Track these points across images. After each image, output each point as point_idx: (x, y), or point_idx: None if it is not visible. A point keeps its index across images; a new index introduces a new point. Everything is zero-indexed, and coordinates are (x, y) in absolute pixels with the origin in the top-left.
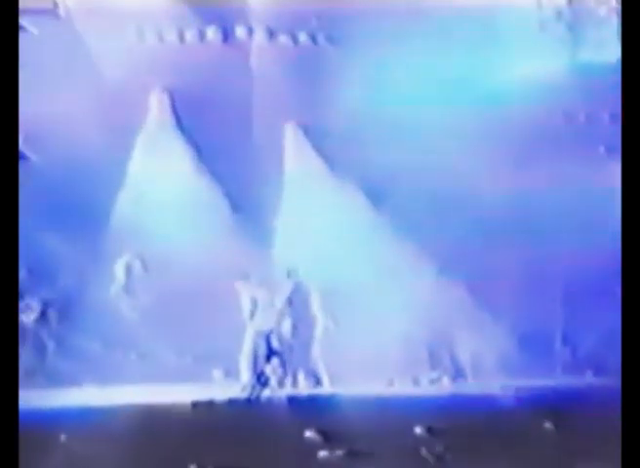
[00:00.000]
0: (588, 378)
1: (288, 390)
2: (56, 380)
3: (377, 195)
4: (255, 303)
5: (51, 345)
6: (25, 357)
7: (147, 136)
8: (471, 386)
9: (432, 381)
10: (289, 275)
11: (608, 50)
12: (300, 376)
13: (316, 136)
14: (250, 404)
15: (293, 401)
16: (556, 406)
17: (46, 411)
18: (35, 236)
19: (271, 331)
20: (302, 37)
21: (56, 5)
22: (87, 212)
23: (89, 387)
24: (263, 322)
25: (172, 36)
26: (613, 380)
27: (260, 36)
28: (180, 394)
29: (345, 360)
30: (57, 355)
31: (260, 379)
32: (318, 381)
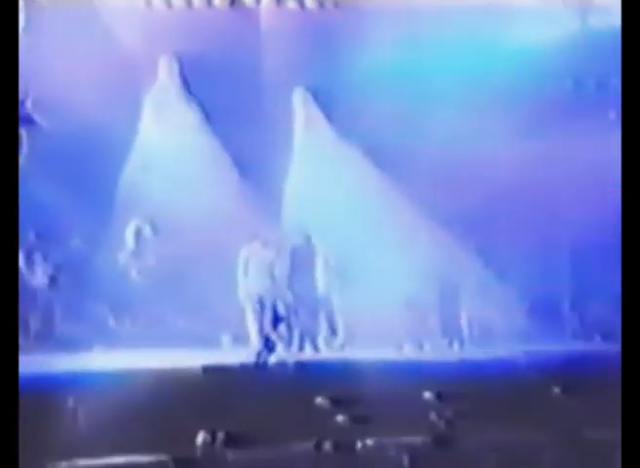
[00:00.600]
0: (596, 343)
1: (295, 356)
2: (65, 345)
3: (386, 160)
4: (262, 268)
5: (60, 309)
6: (35, 321)
7: (156, 101)
8: (480, 352)
9: (441, 347)
10: (298, 239)
11: (615, 15)
12: (308, 342)
13: (325, 101)
14: (258, 369)
15: (301, 366)
16: (564, 371)
17: (55, 375)
18: (44, 200)
19: (278, 297)
20: (310, 1)
21: None
22: (96, 176)
23: (98, 351)
24: (270, 287)
25: (180, 1)
26: (620, 345)
27: (267, 1)
28: (189, 359)
29: (354, 325)
30: (66, 319)
31: (268, 344)
32: (327, 346)
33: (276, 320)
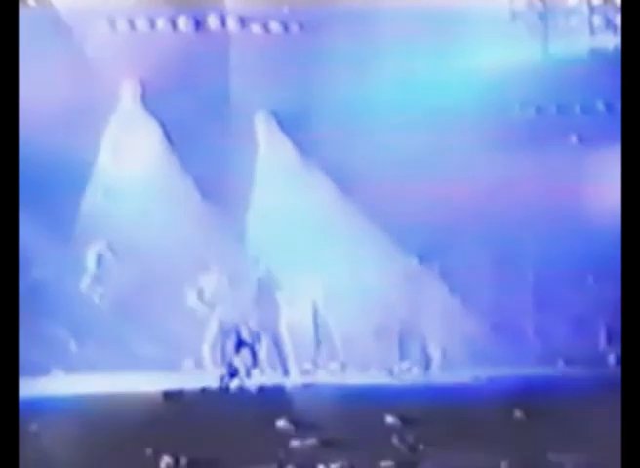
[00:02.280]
0: (559, 368)
1: (258, 380)
2: (25, 369)
3: (349, 184)
4: (222, 294)
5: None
6: None
7: (118, 125)
8: (443, 376)
9: (404, 371)
10: (258, 264)
11: (579, 40)
12: (270, 367)
13: (289, 125)
14: (220, 394)
15: (263, 391)
16: (528, 395)
17: None
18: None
19: (240, 323)
20: (274, 26)
21: None
22: (57, 200)
23: (58, 376)
24: (232, 312)
25: (144, 25)
26: (584, 370)
27: (232, 25)
28: (150, 383)
29: (316, 350)
30: (25, 343)
31: (230, 370)
32: (288, 372)
33: (239, 345)
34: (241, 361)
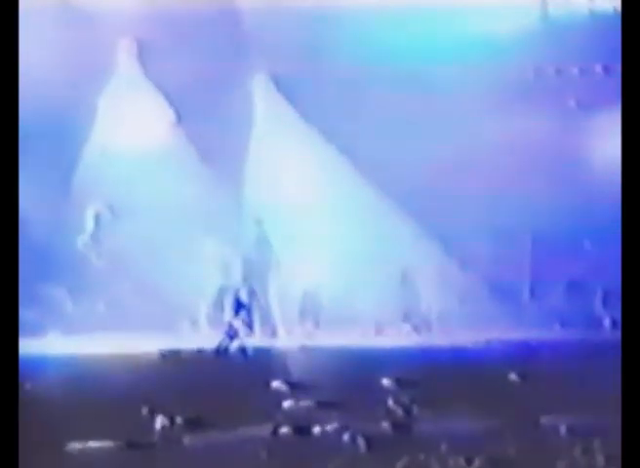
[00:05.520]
0: (555, 331)
1: (254, 342)
2: (21, 330)
3: (349, 147)
4: (222, 255)
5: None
6: None
7: (115, 86)
8: (439, 338)
9: (401, 333)
10: (257, 225)
11: (578, 2)
12: (266, 329)
13: (288, 87)
14: (217, 355)
15: (259, 352)
16: (523, 358)
17: None
18: None
19: (240, 285)
20: None
21: None
22: (54, 161)
23: (55, 336)
24: (231, 274)
25: None
26: (580, 333)
27: None
28: (147, 344)
29: (314, 311)
30: (22, 304)
31: (229, 332)
32: (281, 334)
33: (237, 307)
34: (240, 322)
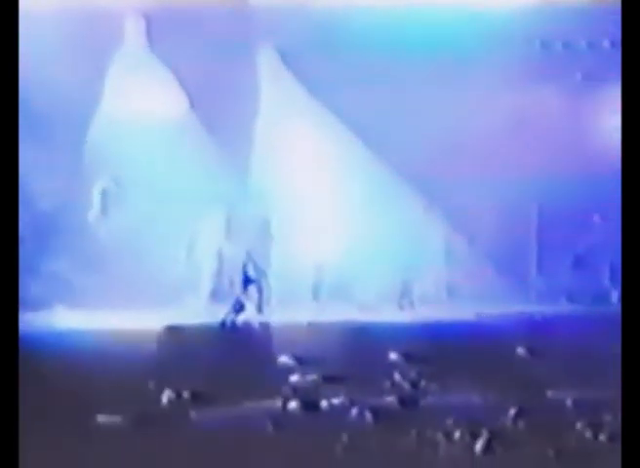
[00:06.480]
0: (562, 305)
1: (262, 316)
2: (28, 303)
3: (356, 124)
4: (228, 231)
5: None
6: None
7: (122, 61)
8: (447, 313)
9: (408, 308)
10: (263, 199)
11: None
12: (275, 303)
13: (293, 60)
14: (224, 329)
15: (266, 327)
16: (530, 332)
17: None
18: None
19: (247, 259)
20: None
21: None
22: (61, 136)
23: (60, 310)
24: (238, 248)
25: None
26: (586, 308)
27: None
28: (153, 318)
29: (321, 286)
30: (28, 278)
31: (236, 306)
32: (293, 308)
33: (245, 282)
34: (246, 297)
